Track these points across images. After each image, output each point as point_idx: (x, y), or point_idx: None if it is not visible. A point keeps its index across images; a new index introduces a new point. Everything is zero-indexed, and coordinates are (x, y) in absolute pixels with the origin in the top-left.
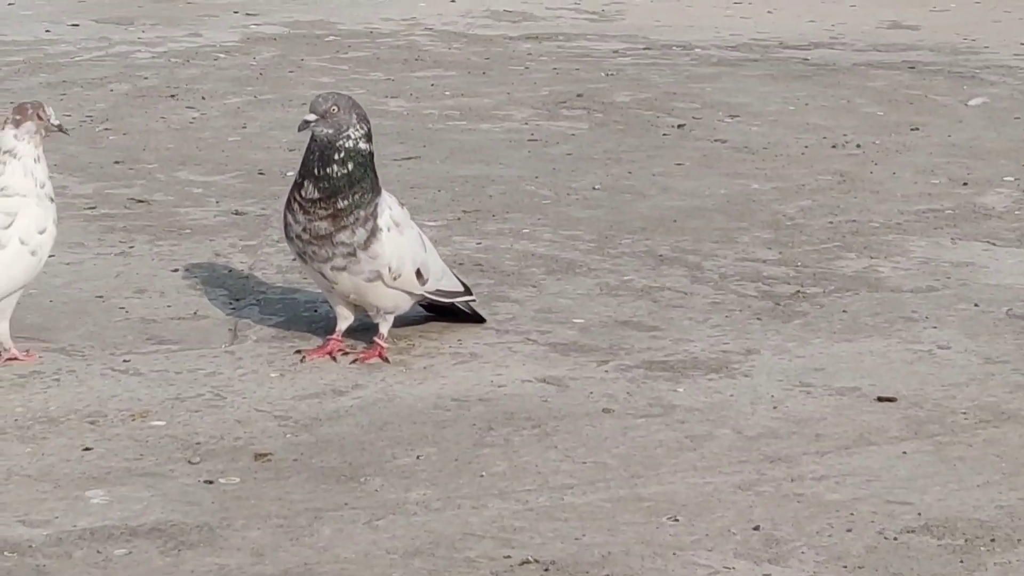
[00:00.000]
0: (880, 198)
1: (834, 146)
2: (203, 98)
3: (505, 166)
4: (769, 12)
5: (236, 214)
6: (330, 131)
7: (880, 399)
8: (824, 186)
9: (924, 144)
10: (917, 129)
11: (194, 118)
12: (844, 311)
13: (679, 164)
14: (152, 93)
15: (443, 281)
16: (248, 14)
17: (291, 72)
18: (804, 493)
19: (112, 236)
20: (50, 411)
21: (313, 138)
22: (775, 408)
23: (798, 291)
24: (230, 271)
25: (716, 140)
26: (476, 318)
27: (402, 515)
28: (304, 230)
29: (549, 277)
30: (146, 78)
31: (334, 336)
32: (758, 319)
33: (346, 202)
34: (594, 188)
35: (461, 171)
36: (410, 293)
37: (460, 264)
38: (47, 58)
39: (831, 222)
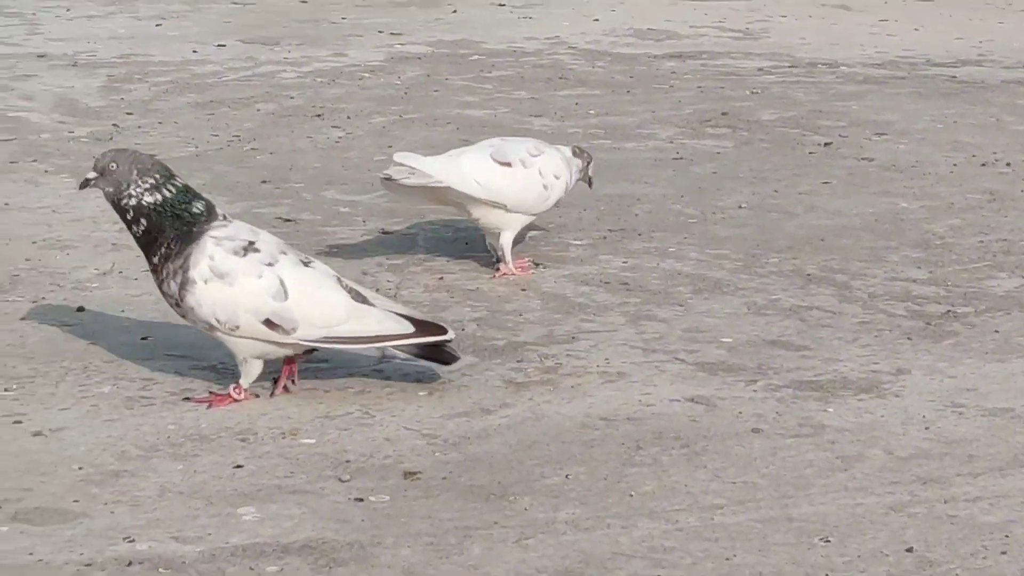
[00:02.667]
0: None
1: (983, 164)
2: (348, 117)
3: (650, 185)
4: (916, 29)
5: (383, 233)
6: (110, 189)
7: None
8: (974, 204)
9: None
10: None
11: (340, 138)
12: (996, 331)
13: (826, 183)
14: (298, 113)
15: (345, 326)
16: (392, 34)
17: (436, 91)
18: (957, 515)
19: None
20: (202, 428)
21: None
22: (927, 429)
23: (949, 311)
24: (378, 290)
25: (863, 158)
26: (440, 358)
27: (551, 534)
28: None
29: (696, 296)
30: (292, 98)
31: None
32: (908, 339)
33: (156, 257)
34: (740, 207)
35: (606, 190)
36: (276, 343)
37: (606, 283)
38: (194, 79)
39: (981, 241)
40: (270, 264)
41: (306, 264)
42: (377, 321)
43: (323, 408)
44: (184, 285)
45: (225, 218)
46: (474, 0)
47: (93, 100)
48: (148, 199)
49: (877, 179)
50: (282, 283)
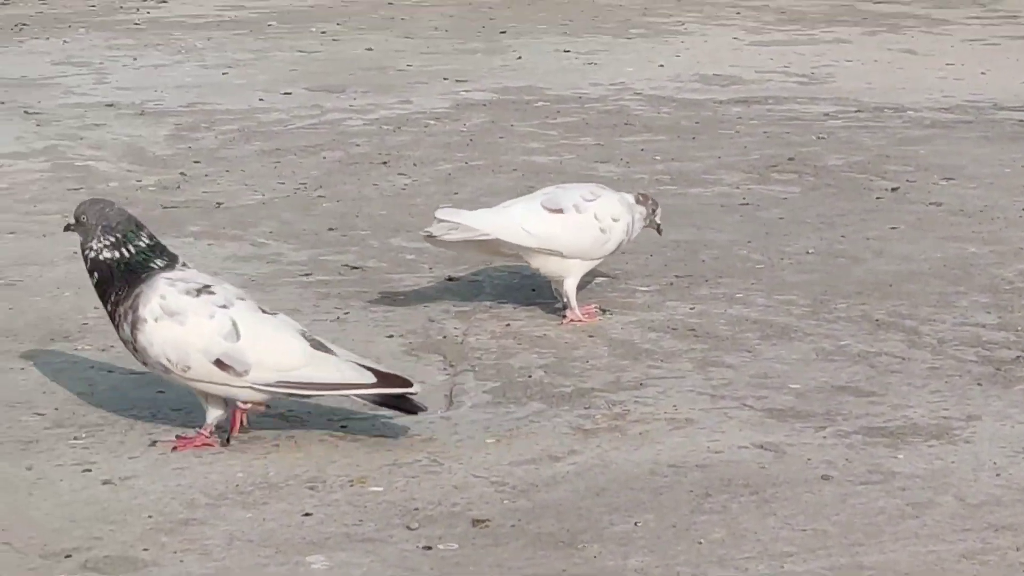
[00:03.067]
0: None
1: None
2: (414, 165)
3: (717, 231)
4: (982, 73)
5: (449, 280)
6: (81, 239)
7: None
8: None
9: None
10: None
11: (406, 185)
12: None
13: (893, 228)
14: (364, 160)
15: (301, 371)
16: (457, 80)
17: (501, 138)
18: None
19: (327, 302)
20: (270, 476)
21: None
22: (998, 475)
23: (1019, 356)
24: (444, 337)
25: (931, 203)
26: (403, 407)
27: None
28: None
29: (764, 342)
30: (358, 145)
31: (203, 428)
32: (978, 384)
33: (108, 304)
34: (807, 252)
35: (673, 236)
36: (230, 386)
37: (673, 329)
38: (261, 126)
39: None
40: (224, 306)
41: (267, 312)
42: (336, 369)
43: (391, 456)
44: (135, 324)
45: (185, 266)
46: (539, 46)
47: (160, 149)
48: (106, 255)
49: (945, 224)
50: (235, 324)
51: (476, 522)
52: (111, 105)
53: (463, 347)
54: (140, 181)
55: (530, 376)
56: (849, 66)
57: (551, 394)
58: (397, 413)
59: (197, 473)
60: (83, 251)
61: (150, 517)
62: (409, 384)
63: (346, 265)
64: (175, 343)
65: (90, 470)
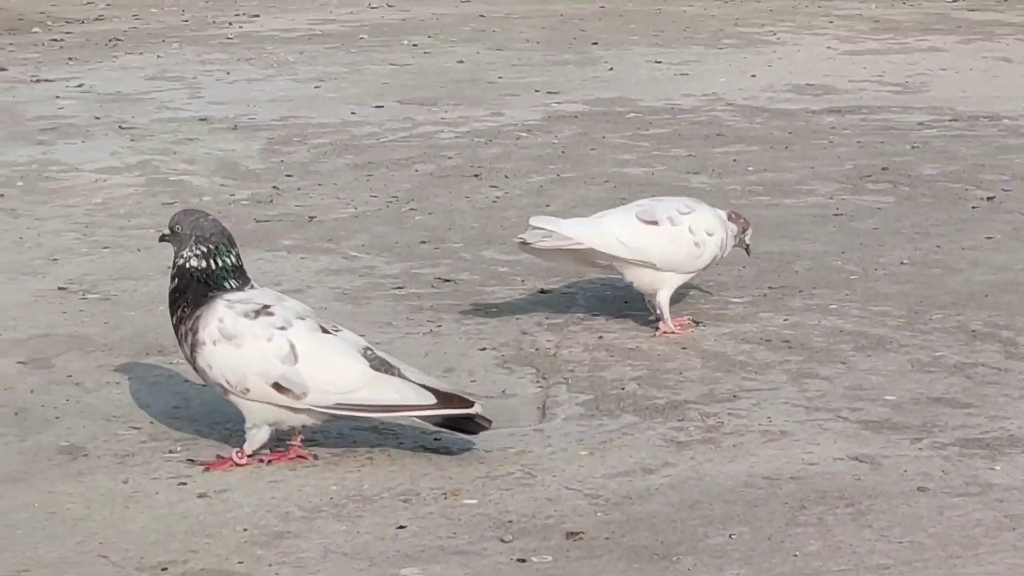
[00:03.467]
0: None
1: None
2: (506, 177)
3: (810, 241)
4: None
5: (542, 292)
6: (175, 248)
7: None
8: None
9: None
10: None
11: (497, 197)
12: None
13: (989, 237)
14: (456, 173)
15: (360, 393)
16: (549, 92)
17: (592, 150)
18: None
19: (420, 315)
20: (364, 489)
21: None
22: None
23: None
24: (537, 349)
25: None
26: (465, 428)
27: None
28: None
29: (859, 353)
30: (450, 158)
31: (239, 452)
32: None
33: (174, 318)
34: (902, 263)
35: (766, 247)
36: (289, 408)
37: (767, 341)
38: (353, 140)
39: None
40: (282, 328)
41: (329, 332)
42: (395, 390)
43: (484, 468)
44: (194, 347)
45: (253, 287)
46: (630, 57)
47: (253, 163)
48: (193, 263)
49: None
50: (292, 346)
51: (570, 535)
52: (204, 119)
53: (556, 359)
54: (233, 195)
55: (623, 388)
56: (944, 75)
57: (644, 406)
58: (457, 433)
59: (292, 486)
60: (175, 257)
61: (245, 530)
62: (470, 404)
63: (438, 278)
64: (233, 366)
65: (185, 483)
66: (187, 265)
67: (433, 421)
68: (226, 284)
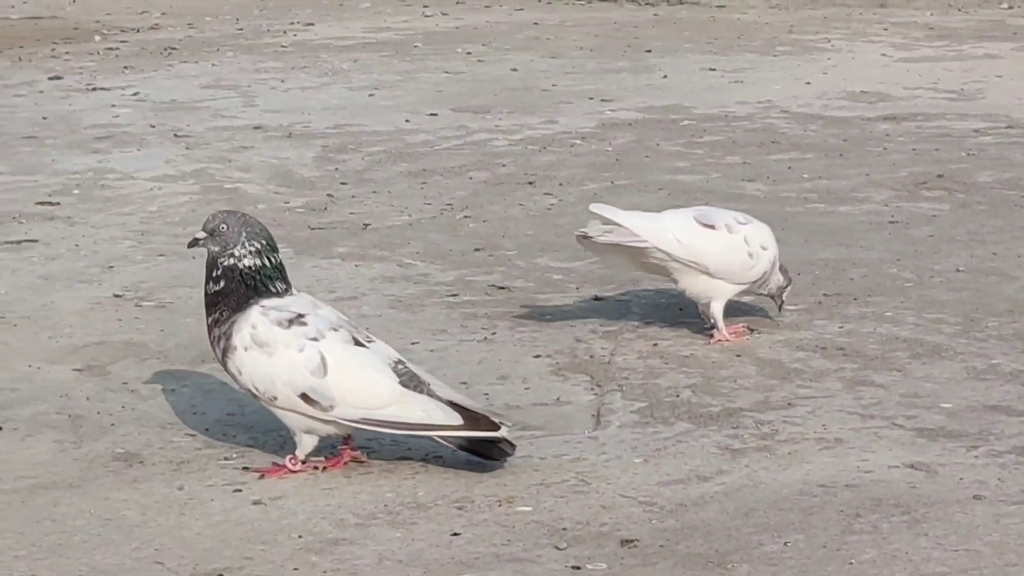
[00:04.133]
0: None
1: None
2: (560, 184)
3: (865, 249)
4: None
5: (596, 300)
6: (216, 248)
7: None
8: None
9: None
10: None
11: (552, 205)
12: None
13: None
14: (510, 180)
15: (387, 410)
16: (603, 100)
17: (646, 157)
18: None
19: (474, 323)
20: (419, 497)
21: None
22: None
23: None
24: (591, 357)
25: None
26: (489, 454)
27: None
28: None
29: (914, 361)
30: (504, 165)
31: (291, 458)
32: None
33: (211, 318)
34: (958, 270)
35: (821, 254)
36: (315, 419)
37: (822, 348)
38: (407, 148)
39: None
40: (315, 339)
41: (362, 343)
42: (422, 409)
43: (539, 476)
44: (226, 351)
45: (291, 293)
46: (684, 65)
47: (308, 171)
48: (247, 262)
49: None
50: (323, 359)
51: (625, 542)
52: (259, 128)
53: (610, 367)
54: (288, 203)
55: (678, 396)
56: (999, 82)
57: (699, 414)
58: (478, 459)
59: (346, 493)
60: (217, 260)
61: (300, 537)
62: (496, 427)
63: (493, 285)
64: (263, 374)
65: (240, 490)
66: (239, 264)
67: (456, 443)
68: (271, 287)
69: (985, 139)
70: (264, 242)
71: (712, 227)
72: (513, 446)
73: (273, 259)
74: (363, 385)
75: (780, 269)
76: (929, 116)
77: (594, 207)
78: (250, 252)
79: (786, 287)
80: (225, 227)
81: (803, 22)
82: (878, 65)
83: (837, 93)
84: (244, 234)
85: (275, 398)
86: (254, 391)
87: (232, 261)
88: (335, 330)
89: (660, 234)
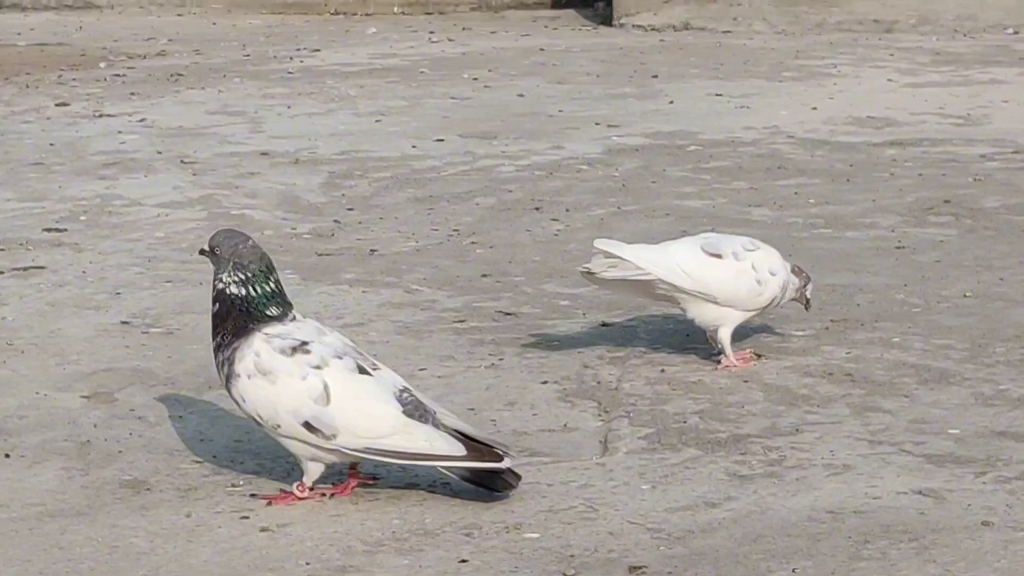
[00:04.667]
0: None
1: None
2: (567, 210)
3: (872, 274)
4: None
5: (603, 326)
6: (214, 268)
7: None
8: None
9: None
10: None
11: (559, 231)
12: None
13: None
14: (517, 206)
15: (390, 439)
16: (610, 125)
17: (653, 183)
18: None
19: (481, 349)
20: (426, 523)
21: None
22: None
23: None
24: (599, 383)
25: None
26: (492, 486)
27: None
28: None
29: (922, 387)
30: (511, 191)
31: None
32: None
33: (215, 341)
34: (965, 296)
35: (828, 279)
36: (318, 447)
37: (830, 374)
38: (414, 173)
39: None
40: (318, 367)
41: (367, 371)
42: (426, 439)
43: (546, 502)
44: (229, 378)
45: (295, 319)
46: (691, 90)
47: (315, 196)
48: (232, 290)
49: None
50: (326, 387)
51: (632, 569)
52: (266, 154)
53: (618, 393)
54: (295, 229)
55: (685, 422)
56: (1006, 107)
57: (706, 440)
58: (482, 491)
59: (354, 520)
60: (213, 279)
61: (308, 564)
62: (500, 458)
63: (500, 311)
64: (265, 402)
65: (248, 517)
66: (227, 291)
67: (459, 474)
68: (267, 312)
69: (992, 164)
70: (250, 273)
71: (719, 256)
72: (518, 477)
73: (259, 288)
74: (366, 414)
75: (792, 270)
76: (935, 141)
77: (598, 243)
78: (235, 281)
79: (805, 286)
80: (219, 250)
81: (809, 47)
82: (884, 90)
83: (843, 118)
84: (232, 263)
85: (278, 426)
86: (257, 419)
87: (221, 286)
88: (339, 358)
89: (666, 266)
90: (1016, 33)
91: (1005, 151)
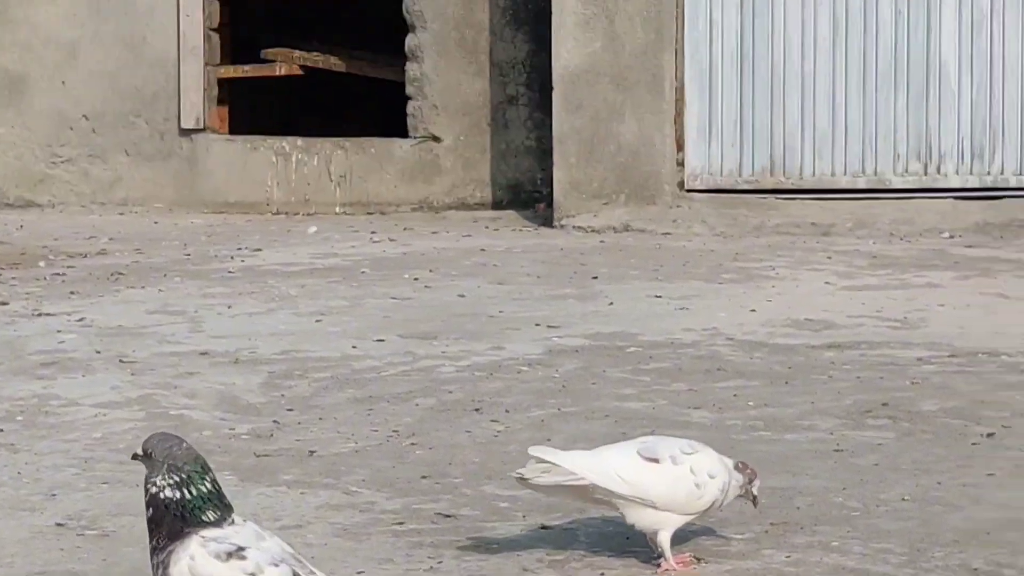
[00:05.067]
0: None
1: None
2: (507, 411)
3: (812, 477)
4: None
5: (543, 528)
6: (147, 471)
7: None
8: None
9: None
10: None
11: (499, 432)
12: None
13: (990, 474)
14: (457, 407)
15: None
16: (550, 326)
17: (593, 384)
18: None
19: (420, 552)
20: None
21: None
22: None
23: None
24: None
25: None
26: None
27: None
28: None
29: None
30: (451, 392)
31: None
32: None
33: (151, 544)
34: (903, 499)
35: (767, 482)
36: None
37: None
38: (354, 374)
39: None
40: (253, 574)
41: None
42: None
43: None
44: None
45: (234, 522)
46: (631, 292)
47: (254, 397)
48: (167, 493)
49: None
50: None
51: None
52: (205, 353)
53: None
54: (233, 429)
55: None
56: (941, 311)
57: None
58: None
59: None
60: (146, 484)
61: None
62: None
63: (439, 513)
64: None
65: None
66: (161, 495)
67: None
68: (203, 516)
69: (929, 367)
70: (185, 475)
71: (656, 460)
72: None
73: (194, 491)
74: None
75: (736, 467)
76: (873, 344)
77: (533, 450)
78: (169, 484)
79: (751, 482)
80: (153, 453)
81: (748, 250)
82: (822, 293)
83: (782, 321)
84: (166, 465)
85: None
86: None
87: (155, 490)
88: (276, 565)
89: (601, 472)
90: (951, 237)
91: (941, 355)
